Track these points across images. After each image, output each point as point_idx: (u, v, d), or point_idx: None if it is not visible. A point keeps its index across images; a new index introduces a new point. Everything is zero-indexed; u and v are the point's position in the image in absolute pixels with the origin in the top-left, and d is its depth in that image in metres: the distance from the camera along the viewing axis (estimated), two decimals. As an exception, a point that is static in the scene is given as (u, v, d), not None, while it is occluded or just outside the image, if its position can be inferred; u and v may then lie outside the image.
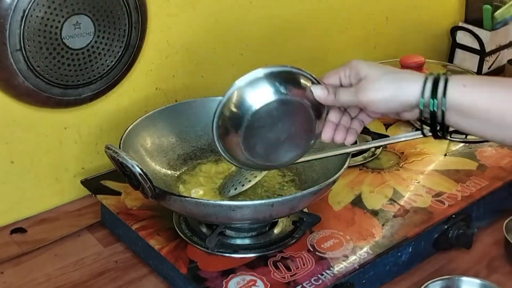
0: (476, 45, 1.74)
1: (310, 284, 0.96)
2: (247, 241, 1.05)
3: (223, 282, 0.96)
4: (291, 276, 0.98)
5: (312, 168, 1.13)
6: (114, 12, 1.12)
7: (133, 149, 1.08)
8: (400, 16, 1.70)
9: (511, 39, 1.80)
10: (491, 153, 1.31)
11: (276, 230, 1.08)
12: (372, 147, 1.29)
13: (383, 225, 1.09)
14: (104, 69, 1.15)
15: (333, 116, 0.93)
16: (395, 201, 1.15)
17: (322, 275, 0.98)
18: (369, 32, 1.64)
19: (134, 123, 1.11)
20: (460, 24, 1.78)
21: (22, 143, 1.15)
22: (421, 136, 0.95)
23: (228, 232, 1.05)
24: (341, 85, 0.90)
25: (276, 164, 0.98)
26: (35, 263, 1.08)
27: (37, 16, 1.03)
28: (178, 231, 1.06)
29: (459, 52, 1.79)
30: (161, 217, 1.09)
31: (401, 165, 1.26)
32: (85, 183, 1.19)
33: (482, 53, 1.73)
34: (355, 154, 1.27)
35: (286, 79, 0.89)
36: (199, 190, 1.10)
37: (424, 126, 0.91)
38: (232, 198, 1.06)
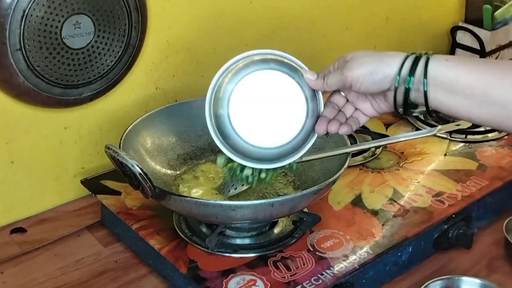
0: (476, 45, 1.73)
1: (310, 284, 0.96)
2: (247, 241, 1.05)
3: (223, 282, 0.96)
4: (291, 276, 0.98)
5: (312, 168, 1.13)
6: (114, 12, 1.12)
7: (133, 149, 1.08)
8: (400, 16, 1.70)
9: (511, 39, 1.79)
10: (491, 153, 1.31)
11: (276, 230, 1.08)
12: (372, 147, 1.29)
13: (383, 225, 1.09)
14: (104, 69, 1.15)
15: (327, 113, 0.96)
16: (395, 201, 1.15)
17: (322, 275, 0.98)
18: (369, 32, 1.64)
19: (134, 123, 1.11)
20: (460, 24, 1.78)
21: (22, 143, 1.15)
22: (421, 136, 0.96)
23: (228, 232, 1.05)
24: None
25: (268, 154, 0.97)
26: (35, 263, 1.08)
27: (37, 16, 1.03)
28: (178, 231, 1.06)
29: (459, 52, 1.79)
30: (161, 217, 1.09)
31: (401, 165, 1.26)
32: (85, 183, 1.19)
33: (482, 53, 1.73)
34: (355, 154, 1.27)
35: (279, 61, 0.95)
36: (199, 190, 1.10)
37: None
38: (232, 198, 1.06)
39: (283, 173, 1.15)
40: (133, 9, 1.14)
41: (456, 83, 0.85)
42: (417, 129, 1.41)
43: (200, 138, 1.20)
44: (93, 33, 1.10)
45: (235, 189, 1.06)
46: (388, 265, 1.05)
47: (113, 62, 1.15)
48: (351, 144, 1.13)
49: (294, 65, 0.96)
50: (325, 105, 0.97)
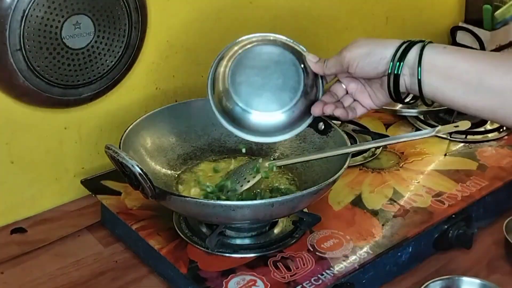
0: (476, 45, 1.73)
1: (310, 284, 0.96)
2: (247, 241, 1.05)
3: (223, 282, 0.96)
4: (291, 276, 0.98)
5: (312, 168, 1.13)
6: (114, 12, 1.12)
7: (133, 149, 1.08)
8: (400, 16, 1.70)
9: (511, 39, 1.79)
10: (491, 153, 1.31)
11: (276, 230, 1.08)
12: (372, 147, 1.29)
13: (383, 225, 1.09)
14: (104, 69, 1.15)
15: (326, 98, 1.01)
16: (395, 201, 1.15)
17: (322, 275, 0.98)
18: (369, 32, 1.64)
19: (134, 123, 1.11)
20: (460, 24, 1.78)
21: (22, 143, 1.15)
22: (420, 137, 0.98)
23: (228, 232, 1.05)
24: None
25: (265, 127, 1.03)
26: (35, 263, 1.08)
27: (37, 16, 1.03)
28: (178, 231, 1.06)
29: (459, 52, 1.79)
30: (161, 217, 1.09)
31: (401, 165, 1.26)
32: (85, 183, 1.19)
33: (482, 53, 1.73)
34: (355, 154, 1.27)
35: (284, 43, 1.03)
36: (197, 189, 1.10)
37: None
38: (231, 197, 1.06)
39: (282, 174, 1.15)
40: (133, 9, 1.14)
41: (452, 68, 0.87)
42: (417, 129, 1.41)
43: (200, 138, 1.20)
44: (93, 33, 1.10)
45: (235, 189, 1.06)
46: (388, 265, 1.05)
47: (113, 62, 1.15)
48: (351, 144, 1.13)
49: (296, 47, 1.03)
50: (324, 92, 1.02)
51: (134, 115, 1.17)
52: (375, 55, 0.92)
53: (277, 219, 1.08)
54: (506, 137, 1.37)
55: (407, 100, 0.96)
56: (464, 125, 1.01)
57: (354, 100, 1.00)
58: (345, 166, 1.02)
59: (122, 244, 1.12)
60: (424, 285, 1.00)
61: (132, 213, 1.11)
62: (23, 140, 1.15)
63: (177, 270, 0.99)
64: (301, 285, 0.96)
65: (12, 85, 1.07)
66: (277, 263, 1.00)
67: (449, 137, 1.35)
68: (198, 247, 1.03)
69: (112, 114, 1.24)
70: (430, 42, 0.91)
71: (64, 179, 1.22)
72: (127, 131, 1.08)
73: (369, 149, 1.29)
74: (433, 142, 1.33)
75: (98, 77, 1.15)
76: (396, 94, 0.93)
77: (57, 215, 1.20)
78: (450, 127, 1.02)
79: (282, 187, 1.12)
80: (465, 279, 1.02)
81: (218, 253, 1.02)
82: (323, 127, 1.14)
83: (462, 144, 1.35)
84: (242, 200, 1.05)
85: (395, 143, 1.28)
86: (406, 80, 0.91)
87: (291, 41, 1.04)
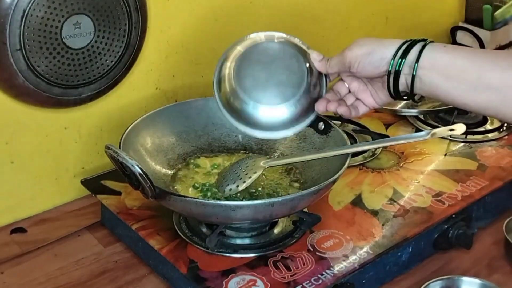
0: (476, 45, 1.73)
1: (310, 284, 0.96)
2: (247, 241, 1.05)
3: (223, 282, 0.96)
4: (291, 276, 0.98)
5: (312, 168, 1.13)
6: (114, 12, 1.12)
7: (133, 149, 1.08)
8: (400, 16, 1.69)
9: (511, 39, 1.80)
10: (491, 153, 1.31)
11: (276, 230, 1.08)
12: (370, 148, 1.28)
13: (383, 225, 1.09)
14: (104, 69, 1.15)
15: (329, 96, 1.02)
16: (395, 201, 1.15)
17: (322, 275, 0.98)
18: (369, 32, 1.64)
19: (134, 123, 1.11)
20: (460, 24, 1.78)
21: (22, 143, 1.15)
22: (415, 140, 0.99)
23: (228, 232, 1.05)
24: None
25: (267, 123, 1.04)
26: (35, 263, 1.08)
27: (37, 16, 1.03)
28: (178, 231, 1.06)
29: (459, 52, 1.79)
30: (161, 217, 1.09)
31: (401, 165, 1.26)
32: (85, 183, 1.19)
33: (482, 53, 1.73)
34: (355, 154, 1.27)
35: (289, 41, 1.05)
36: (194, 190, 1.10)
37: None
38: (231, 197, 1.06)
39: (282, 174, 1.15)
40: (133, 9, 1.14)
41: (451, 66, 0.88)
42: (417, 129, 1.41)
43: (200, 138, 1.20)
44: (93, 33, 1.10)
45: (237, 186, 1.05)
46: (388, 265, 1.05)
47: (113, 62, 1.15)
48: (351, 144, 1.13)
49: (302, 46, 1.04)
50: (328, 91, 1.03)
51: (134, 115, 1.17)
52: (376, 55, 0.93)
53: (277, 219, 1.08)
54: (506, 137, 1.38)
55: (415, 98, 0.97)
56: (460, 128, 1.01)
57: (357, 99, 1.00)
58: (345, 166, 1.02)
59: (122, 244, 1.12)
60: (424, 285, 1.00)
61: (132, 213, 1.11)
62: (23, 140, 1.15)
63: (177, 270, 0.99)
64: (301, 285, 0.96)
65: (12, 85, 1.07)
66: (277, 263, 1.00)
67: (449, 137, 1.35)
68: (198, 247, 1.03)
69: (112, 114, 1.24)
70: (432, 41, 0.91)
71: (64, 179, 1.22)
72: (127, 131, 1.08)
73: (368, 149, 1.28)
74: (433, 142, 1.33)
75: (98, 77, 1.15)
76: (395, 92, 0.94)
77: (57, 215, 1.20)
78: (445, 131, 1.02)
79: (282, 187, 1.12)
80: (465, 279, 1.02)
81: (218, 253, 1.02)
82: (323, 127, 1.14)
83: (462, 144, 1.35)
84: (241, 200, 1.05)
85: (390, 145, 1.29)
86: (407, 79, 0.92)
87: (298, 40, 1.05)
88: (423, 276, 1.06)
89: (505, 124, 1.41)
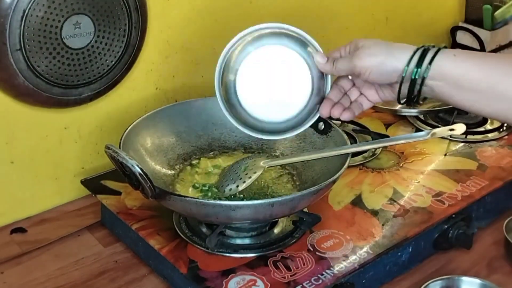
0: (476, 45, 1.74)
1: (310, 284, 0.96)
2: (247, 241, 1.05)
3: (223, 282, 0.96)
4: (291, 276, 0.98)
5: (312, 168, 1.13)
6: (114, 12, 1.12)
7: (133, 149, 1.08)
8: (400, 16, 1.70)
9: (511, 39, 1.80)
10: (491, 153, 1.31)
11: (276, 230, 1.08)
12: (371, 148, 1.28)
13: (383, 225, 1.09)
14: (104, 69, 1.15)
15: (332, 95, 1.00)
16: (395, 201, 1.15)
17: (322, 275, 0.98)
18: (369, 32, 1.64)
19: (134, 123, 1.11)
20: (460, 24, 1.78)
21: (22, 143, 1.15)
22: (415, 140, 0.98)
23: (228, 232, 1.05)
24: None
25: (268, 127, 1.04)
26: (35, 263, 1.08)
27: (37, 16, 1.03)
28: (178, 231, 1.06)
29: (459, 52, 1.79)
30: (161, 217, 1.09)
31: (401, 165, 1.26)
32: (85, 183, 1.19)
33: (482, 53, 1.73)
34: (355, 154, 1.27)
35: (291, 36, 1.00)
36: (194, 190, 1.10)
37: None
38: (231, 196, 1.06)
39: (282, 173, 1.15)
40: (133, 9, 1.14)
41: (463, 77, 0.86)
42: (417, 129, 1.41)
43: (200, 138, 1.20)
44: (93, 33, 1.10)
45: (237, 186, 1.05)
46: (388, 265, 1.05)
47: (113, 62, 1.15)
48: (351, 144, 1.13)
49: (306, 41, 1.01)
50: (331, 86, 1.01)
51: (134, 115, 1.17)
52: (387, 66, 0.91)
53: (277, 219, 1.08)
54: (506, 137, 1.37)
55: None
56: (460, 128, 1.01)
57: (361, 93, 0.99)
58: (345, 166, 1.02)
59: (122, 244, 1.12)
60: (424, 285, 1.00)
61: (132, 213, 1.11)
62: (23, 140, 1.15)
63: (177, 270, 0.99)
64: (301, 285, 0.96)
65: (12, 85, 1.07)
66: (277, 263, 1.00)
67: (449, 137, 1.35)
68: (198, 247, 1.03)
69: (112, 114, 1.24)
70: (443, 48, 0.89)
71: (64, 179, 1.22)
72: (127, 131, 1.08)
73: (368, 149, 1.29)
74: (433, 142, 1.33)
75: (98, 77, 1.15)
76: (409, 99, 0.92)
77: (57, 215, 1.20)
78: (445, 131, 1.02)
79: (282, 187, 1.12)
80: (465, 279, 1.02)
81: (218, 253, 1.02)
82: (323, 127, 1.14)
83: (462, 144, 1.35)
84: (242, 199, 1.05)
85: (390, 145, 1.29)
86: (417, 88, 0.91)
87: (302, 35, 1.01)
88: (423, 276, 1.06)
89: (505, 124, 1.41)
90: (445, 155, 1.31)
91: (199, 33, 1.31)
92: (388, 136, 1.33)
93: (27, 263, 1.08)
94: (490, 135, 1.38)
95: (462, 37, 1.78)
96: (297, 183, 1.13)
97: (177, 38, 1.28)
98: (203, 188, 1.09)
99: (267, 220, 1.05)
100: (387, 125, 1.43)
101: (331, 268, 0.99)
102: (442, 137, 1.31)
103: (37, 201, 1.20)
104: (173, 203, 0.98)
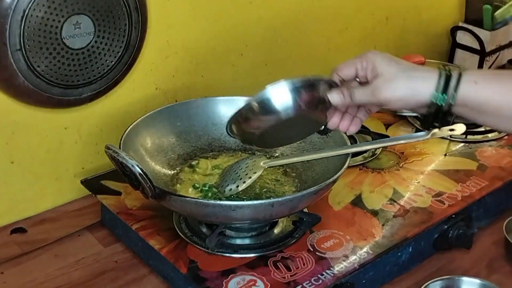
0: (476, 45, 1.74)
1: (310, 284, 0.96)
2: (247, 241, 1.05)
3: (223, 282, 0.96)
4: (291, 276, 0.98)
5: (312, 168, 1.13)
6: (114, 12, 1.12)
7: (133, 149, 1.08)
8: (400, 16, 1.70)
9: (511, 39, 1.80)
10: (491, 153, 1.32)
11: (276, 230, 1.08)
12: (371, 148, 1.28)
13: (383, 225, 1.09)
14: (104, 69, 1.15)
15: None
16: (395, 201, 1.15)
17: (322, 275, 0.98)
18: (369, 32, 1.64)
19: (134, 123, 1.11)
20: (460, 24, 1.78)
21: (22, 143, 1.15)
22: (415, 140, 0.97)
23: (228, 232, 1.05)
24: (356, 77, 0.93)
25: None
26: (35, 263, 1.08)
27: (37, 16, 1.03)
28: (178, 231, 1.06)
29: (459, 52, 1.79)
30: (161, 217, 1.09)
31: (401, 165, 1.26)
32: (85, 183, 1.19)
33: (482, 53, 1.73)
34: (355, 154, 1.27)
35: (306, 89, 0.93)
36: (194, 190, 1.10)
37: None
38: (231, 197, 1.06)
39: (282, 173, 1.15)
40: (133, 9, 1.14)
41: (485, 105, 0.87)
42: (417, 129, 1.41)
43: (200, 138, 1.20)
44: (93, 33, 1.10)
45: (237, 186, 1.05)
46: (388, 265, 1.05)
47: (113, 62, 1.15)
48: (351, 144, 1.13)
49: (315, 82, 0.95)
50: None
51: (134, 115, 1.17)
52: (411, 101, 0.89)
53: (277, 219, 1.08)
54: (506, 137, 1.38)
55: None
56: (460, 128, 1.01)
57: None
58: (345, 166, 1.02)
59: (122, 244, 1.12)
60: (424, 285, 1.00)
61: (132, 213, 1.11)
62: (23, 140, 1.15)
63: (177, 270, 0.99)
64: (301, 285, 0.96)
65: (12, 85, 1.07)
66: (277, 263, 1.00)
67: (449, 137, 1.35)
68: (198, 247, 1.03)
69: (112, 114, 1.24)
70: (463, 72, 0.88)
71: (64, 179, 1.22)
72: (127, 131, 1.08)
73: (368, 149, 1.29)
74: (433, 142, 1.33)
75: (98, 77, 1.15)
76: (434, 120, 0.92)
77: (57, 215, 1.20)
78: (445, 131, 1.02)
79: (282, 187, 1.12)
80: (465, 279, 1.02)
81: (218, 253, 1.02)
82: (323, 127, 1.14)
83: (462, 144, 1.35)
84: (242, 199, 1.05)
85: (390, 145, 1.29)
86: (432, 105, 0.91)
87: (315, 78, 0.95)
88: (423, 276, 1.06)
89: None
90: (445, 155, 1.31)
91: (199, 33, 1.31)
92: (388, 136, 1.33)
93: (27, 263, 1.08)
94: (490, 135, 1.38)
95: (462, 37, 1.78)
96: (297, 183, 1.13)
97: (177, 38, 1.28)
98: (203, 188, 1.09)
99: (267, 220, 1.05)
100: (387, 125, 1.43)
101: (331, 268, 0.99)
102: (442, 137, 1.31)
103: (37, 201, 1.20)
104: (173, 203, 0.98)
